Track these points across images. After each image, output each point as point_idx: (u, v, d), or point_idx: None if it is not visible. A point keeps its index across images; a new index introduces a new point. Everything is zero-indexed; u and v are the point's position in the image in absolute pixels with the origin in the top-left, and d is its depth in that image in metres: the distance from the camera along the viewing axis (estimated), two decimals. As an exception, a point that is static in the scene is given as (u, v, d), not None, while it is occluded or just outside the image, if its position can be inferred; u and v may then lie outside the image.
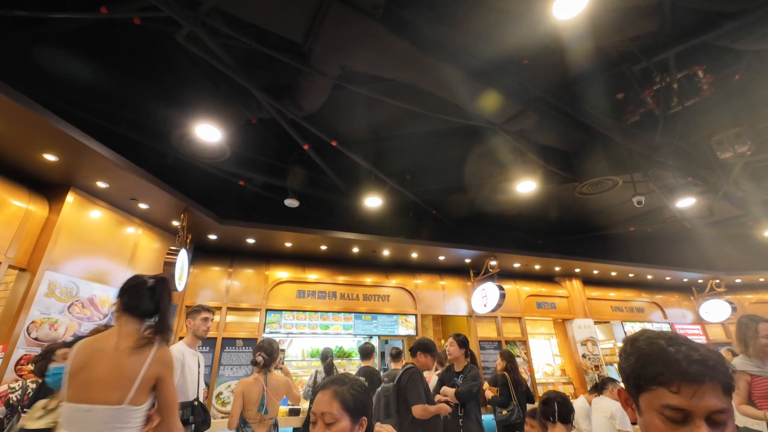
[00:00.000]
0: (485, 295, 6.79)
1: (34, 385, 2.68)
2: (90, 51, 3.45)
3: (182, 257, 4.51)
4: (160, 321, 1.75)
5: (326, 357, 4.94)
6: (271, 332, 5.93)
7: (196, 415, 2.72)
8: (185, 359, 2.81)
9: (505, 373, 4.84)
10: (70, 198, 3.93)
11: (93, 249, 4.15)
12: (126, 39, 3.52)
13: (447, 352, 3.62)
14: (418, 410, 2.83)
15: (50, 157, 3.48)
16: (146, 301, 1.75)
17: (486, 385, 5.32)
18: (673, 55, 3.58)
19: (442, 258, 6.93)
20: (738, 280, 8.78)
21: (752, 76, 3.94)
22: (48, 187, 3.90)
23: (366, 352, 4.74)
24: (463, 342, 3.58)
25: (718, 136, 4.21)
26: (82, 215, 4.09)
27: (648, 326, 8.71)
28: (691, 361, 0.73)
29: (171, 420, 1.71)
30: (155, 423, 1.69)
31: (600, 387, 4.08)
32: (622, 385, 0.87)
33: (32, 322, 3.46)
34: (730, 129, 4.16)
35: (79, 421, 1.53)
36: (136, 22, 3.00)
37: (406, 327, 6.74)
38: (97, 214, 4.26)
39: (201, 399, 2.95)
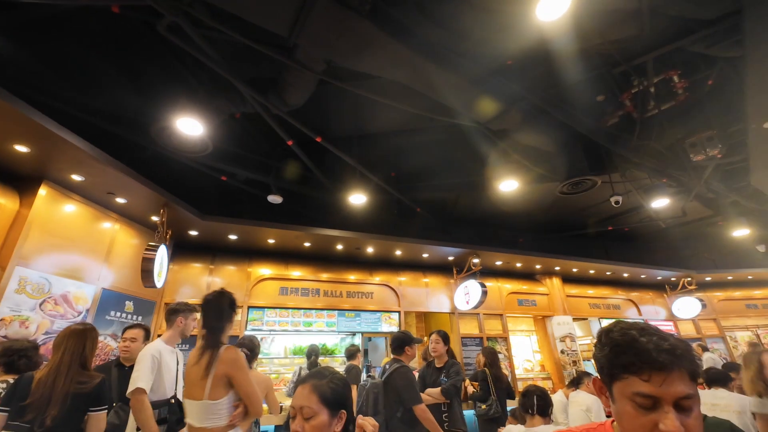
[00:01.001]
0: (468, 293, 6.88)
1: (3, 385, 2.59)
2: (65, 39, 3.32)
3: (161, 253, 4.41)
4: (208, 330, 2.25)
5: (311, 355, 4.94)
6: (253, 329, 5.86)
7: (172, 413, 2.66)
8: (162, 357, 2.75)
9: (485, 369, 4.92)
10: (43, 191, 3.79)
11: (67, 244, 4.01)
12: (104, 27, 3.41)
13: (432, 350, 3.62)
14: (421, 412, 2.85)
15: (21, 149, 3.34)
16: (205, 316, 2.31)
17: (467, 381, 5.39)
18: (650, 60, 3.69)
19: (425, 255, 6.99)
20: (708, 278, 9.15)
21: (724, 82, 4.10)
22: (19, 180, 3.75)
23: (350, 354, 5.02)
24: (445, 338, 3.61)
25: (692, 138, 4.37)
26: (56, 209, 3.94)
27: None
28: (661, 350, 0.76)
29: (252, 408, 2.11)
30: (239, 411, 2.09)
31: (576, 381, 4.19)
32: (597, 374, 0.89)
33: (1, 320, 3.33)
34: (703, 132, 4.32)
35: (189, 412, 2.11)
36: (115, 10, 2.90)
37: (389, 324, 6.77)
38: (71, 208, 4.12)
39: (179, 397, 2.89)
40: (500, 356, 5.34)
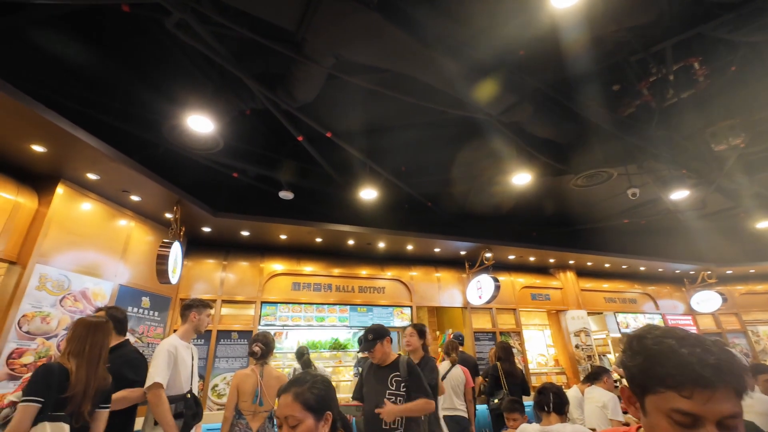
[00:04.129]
0: (480, 287, 6.82)
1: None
2: (77, 38, 3.37)
3: (176, 250, 4.47)
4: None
5: (302, 354, 4.98)
6: (266, 324, 5.92)
7: (188, 408, 2.71)
8: (178, 352, 2.79)
9: (497, 363, 4.90)
10: (60, 190, 3.86)
11: (84, 242, 4.09)
12: (114, 26, 3.44)
13: (405, 344, 3.27)
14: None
15: (38, 148, 3.41)
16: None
17: (480, 379, 5.39)
18: (670, 46, 3.56)
19: (437, 250, 6.94)
20: (729, 272, 8.89)
21: (747, 68, 3.94)
22: (37, 179, 3.83)
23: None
24: (422, 331, 3.30)
25: (713, 128, 4.21)
26: (73, 207, 4.02)
27: (640, 317, 8.83)
28: (705, 364, 0.69)
29: None
30: None
31: (592, 377, 4.12)
32: (624, 382, 0.84)
33: (23, 316, 3.42)
34: (725, 121, 4.16)
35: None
36: (125, 9, 2.92)
37: (401, 319, 6.76)
38: (88, 206, 4.20)
39: (195, 392, 2.94)
40: (513, 351, 5.27)
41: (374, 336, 2.69)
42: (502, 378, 4.72)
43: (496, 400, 4.66)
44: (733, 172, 5.02)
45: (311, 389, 1.26)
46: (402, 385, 2.55)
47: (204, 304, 3.03)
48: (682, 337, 0.75)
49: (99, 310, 2.81)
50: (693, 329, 8.89)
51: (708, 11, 3.26)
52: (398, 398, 2.51)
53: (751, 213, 6.36)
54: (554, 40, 3.36)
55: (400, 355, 2.73)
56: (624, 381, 0.86)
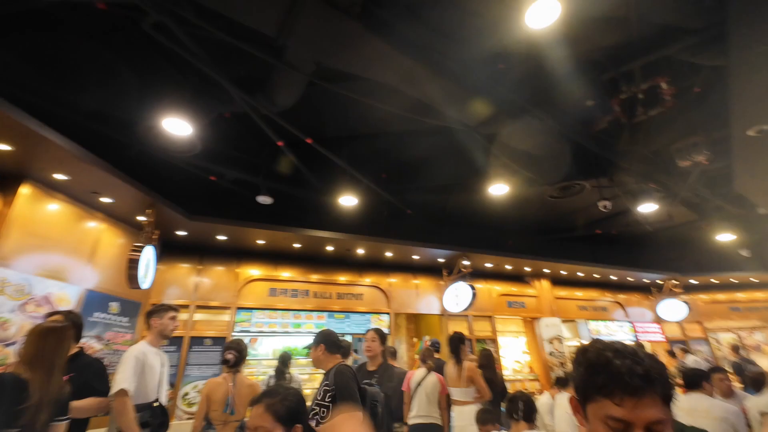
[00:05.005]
0: (457, 294, 6.90)
1: None
2: (47, 34, 3.25)
3: (148, 254, 4.35)
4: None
5: (285, 360, 4.62)
6: (241, 330, 5.81)
7: (154, 417, 2.62)
8: (146, 358, 2.71)
9: (479, 370, 4.95)
10: (24, 190, 3.70)
11: (49, 244, 3.93)
12: (87, 23, 3.34)
13: (365, 348, 3.08)
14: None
15: (2, 146, 3.26)
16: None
17: None
18: (638, 67, 3.73)
19: (416, 257, 6.99)
20: (693, 281, 9.30)
21: (710, 90, 4.17)
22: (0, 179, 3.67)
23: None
24: (383, 337, 3.09)
25: (678, 144, 4.43)
26: (38, 208, 3.86)
27: (611, 325, 9.10)
28: (633, 374, 0.76)
29: None
30: None
31: (563, 382, 4.22)
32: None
33: (-21, 322, 3.25)
34: (689, 138, 4.39)
35: None
36: (101, 6, 2.84)
37: (379, 325, 6.75)
38: (54, 207, 4.04)
39: (164, 400, 2.85)
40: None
41: (313, 342, 2.64)
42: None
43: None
44: (697, 187, 5.27)
45: (283, 401, 1.29)
46: (328, 395, 2.38)
47: (165, 308, 2.93)
48: (617, 349, 0.81)
49: (51, 314, 2.63)
50: (661, 337, 9.24)
51: (674, 35, 3.44)
52: (322, 409, 2.37)
53: (713, 225, 6.69)
54: (532, 56, 3.47)
55: (338, 363, 2.54)
56: None
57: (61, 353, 2.04)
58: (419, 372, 4.63)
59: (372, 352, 3.01)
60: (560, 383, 4.29)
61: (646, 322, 9.47)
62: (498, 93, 3.87)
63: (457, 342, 4.35)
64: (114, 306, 4.68)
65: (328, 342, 2.62)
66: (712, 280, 9.27)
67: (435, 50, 3.44)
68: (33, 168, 3.63)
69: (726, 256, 8.51)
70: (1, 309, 3.41)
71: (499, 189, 5.00)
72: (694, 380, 2.82)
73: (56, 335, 2.06)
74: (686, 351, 7.66)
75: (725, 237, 6.73)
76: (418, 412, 4.39)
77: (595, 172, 4.88)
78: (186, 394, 5.12)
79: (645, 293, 9.83)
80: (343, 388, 2.34)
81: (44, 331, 2.04)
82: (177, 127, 3.55)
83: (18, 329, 3.53)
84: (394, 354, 5.00)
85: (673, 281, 9.09)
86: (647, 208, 5.40)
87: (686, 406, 2.69)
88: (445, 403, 4.51)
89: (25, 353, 1.96)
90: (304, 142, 4.28)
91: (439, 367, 4.97)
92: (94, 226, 4.51)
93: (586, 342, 8.51)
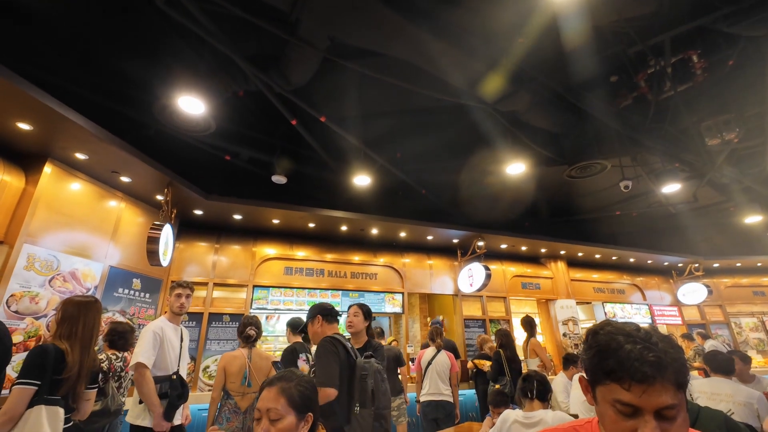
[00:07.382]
0: (471, 275, 6.88)
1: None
2: (65, 14, 3.26)
3: (167, 232, 4.44)
4: None
5: (296, 326, 4.03)
6: (258, 308, 5.95)
7: (173, 388, 2.75)
8: (164, 333, 2.83)
9: (500, 350, 5.06)
10: (48, 169, 3.79)
11: (73, 222, 4.05)
12: (104, 2, 3.33)
13: (347, 324, 2.81)
14: None
15: (24, 126, 3.33)
16: None
17: (470, 362, 5.54)
18: (668, 39, 3.53)
19: (430, 238, 6.97)
20: (716, 265, 9.04)
21: (745, 63, 3.93)
22: (24, 158, 3.75)
23: (295, 325, 3.89)
24: (367, 313, 2.82)
25: (707, 122, 4.23)
26: (61, 187, 3.96)
27: (628, 307, 8.99)
28: (644, 361, 0.74)
29: None
30: None
31: (571, 361, 4.26)
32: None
33: (12, 295, 3.40)
34: (719, 115, 4.17)
35: None
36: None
37: (392, 305, 6.83)
38: (77, 186, 4.14)
39: (183, 373, 2.97)
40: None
41: (307, 318, 2.56)
42: (506, 365, 4.88)
43: (497, 386, 4.83)
44: (725, 167, 5.05)
45: (297, 386, 1.25)
46: (312, 369, 2.30)
47: (173, 286, 3.04)
48: (629, 333, 0.80)
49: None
50: (678, 321, 9.10)
51: (708, 4, 3.22)
52: None
53: (741, 207, 6.44)
54: (554, 29, 3.31)
55: (326, 337, 2.38)
56: None
57: (95, 326, 2.14)
58: (429, 351, 4.70)
59: (354, 328, 2.74)
60: (567, 362, 4.31)
61: (665, 305, 9.30)
62: (518, 68, 3.73)
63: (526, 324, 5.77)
64: (136, 282, 4.84)
65: (323, 312, 2.54)
66: (737, 263, 9.00)
67: (452, 24, 3.32)
68: (55, 147, 3.71)
69: (752, 238, 8.23)
70: (30, 284, 3.57)
71: (516, 168, 4.89)
72: (724, 366, 2.80)
73: (90, 309, 2.15)
74: (705, 336, 7.53)
75: (753, 219, 6.49)
76: (429, 389, 4.48)
77: (617, 151, 4.71)
78: (207, 367, 5.32)
79: (665, 276, 9.62)
80: (317, 361, 2.24)
81: (79, 305, 2.12)
82: (191, 105, 3.55)
83: (47, 303, 3.69)
84: (381, 334, 5.15)
85: (695, 264, 8.87)
86: (671, 188, 5.22)
87: (707, 390, 2.67)
88: (456, 380, 4.59)
89: (61, 327, 2.05)
90: (319, 121, 4.24)
91: (449, 346, 5.05)
92: (115, 205, 4.62)
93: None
